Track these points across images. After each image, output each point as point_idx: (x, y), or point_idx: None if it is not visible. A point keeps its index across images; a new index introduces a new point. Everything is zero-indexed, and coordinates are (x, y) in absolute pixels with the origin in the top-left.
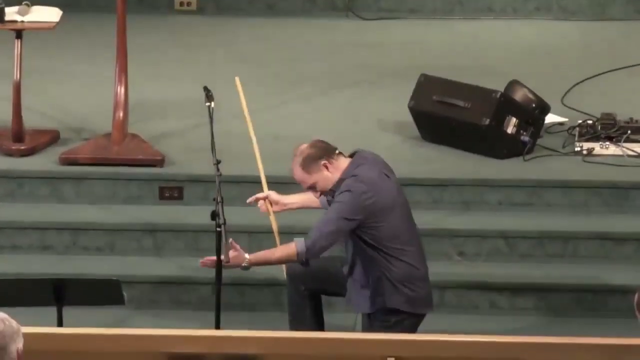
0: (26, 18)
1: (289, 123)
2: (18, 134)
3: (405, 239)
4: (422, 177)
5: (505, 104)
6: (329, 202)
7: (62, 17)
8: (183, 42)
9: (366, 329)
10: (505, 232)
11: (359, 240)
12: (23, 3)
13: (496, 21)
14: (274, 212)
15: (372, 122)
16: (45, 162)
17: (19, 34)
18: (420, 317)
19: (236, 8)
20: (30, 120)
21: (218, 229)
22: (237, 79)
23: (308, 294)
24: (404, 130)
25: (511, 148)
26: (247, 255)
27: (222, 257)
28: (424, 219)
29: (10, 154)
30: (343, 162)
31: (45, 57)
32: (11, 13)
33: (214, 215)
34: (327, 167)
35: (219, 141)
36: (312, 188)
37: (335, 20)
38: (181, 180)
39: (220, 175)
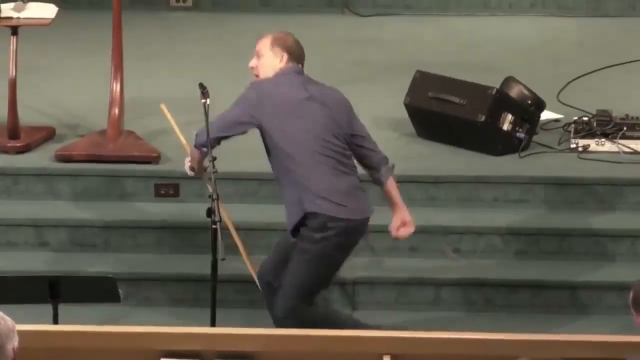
0: (22, 14)
1: None
2: (13, 130)
3: (314, 153)
4: (417, 173)
5: (500, 100)
6: None
7: (57, 14)
8: (178, 39)
9: (296, 254)
10: (501, 229)
11: (266, 148)
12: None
13: (492, 17)
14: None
15: (368, 118)
16: (40, 159)
17: (14, 30)
18: (350, 236)
19: (231, 4)
20: (26, 117)
21: (214, 226)
22: (162, 106)
23: None
24: (399, 127)
25: (506, 144)
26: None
27: (219, 255)
28: (419, 216)
29: (5, 150)
30: (280, 66)
31: (40, 53)
32: (6, 9)
33: (210, 212)
34: (283, 60)
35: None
36: (254, 60)
37: (331, 16)
38: (177, 177)
39: (216, 172)
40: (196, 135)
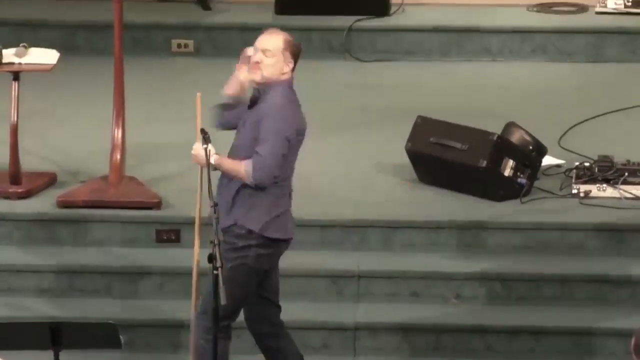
0: (24, 60)
1: None
2: (15, 176)
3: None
4: (419, 219)
5: (502, 145)
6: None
7: (59, 59)
8: (180, 84)
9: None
10: (502, 275)
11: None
12: (20, 45)
13: (493, 63)
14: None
15: (369, 164)
16: (42, 204)
17: (16, 75)
18: (270, 256)
19: (233, 49)
20: (27, 163)
21: (215, 272)
22: (198, 95)
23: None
24: (401, 172)
25: (508, 190)
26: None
27: (221, 300)
28: (420, 262)
29: (7, 196)
30: (286, 73)
31: (42, 99)
32: (8, 55)
33: (211, 258)
34: (288, 68)
35: (215, 184)
36: (263, 52)
37: (332, 61)
38: (178, 223)
39: (217, 218)
40: (259, 170)
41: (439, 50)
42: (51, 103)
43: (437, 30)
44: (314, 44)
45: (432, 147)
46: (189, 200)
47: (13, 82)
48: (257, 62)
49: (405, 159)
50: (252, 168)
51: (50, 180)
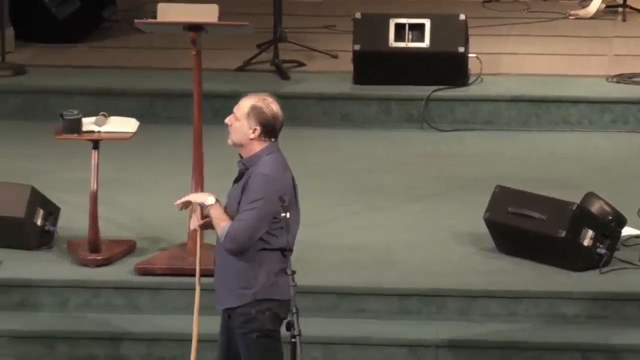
0: (103, 128)
1: (362, 234)
2: (94, 244)
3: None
4: (497, 289)
5: (581, 216)
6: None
7: (138, 128)
8: None
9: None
10: (581, 345)
11: None
12: (100, 114)
13: (572, 133)
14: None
15: (446, 233)
16: (121, 272)
17: (95, 144)
18: (281, 314)
19: (311, 119)
20: (107, 231)
21: (293, 340)
22: None
23: None
24: (478, 242)
25: (587, 260)
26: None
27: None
28: (499, 332)
29: (86, 264)
30: (262, 146)
31: (121, 167)
32: (88, 123)
33: (289, 326)
34: (255, 133)
35: (294, 251)
36: (230, 122)
37: (410, 131)
38: None
39: (295, 285)
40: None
41: (517, 120)
42: (130, 171)
43: (515, 100)
44: (393, 114)
45: (510, 217)
46: None
47: (93, 151)
48: (226, 122)
49: (483, 228)
50: (224, 234)
51: (129, 248)
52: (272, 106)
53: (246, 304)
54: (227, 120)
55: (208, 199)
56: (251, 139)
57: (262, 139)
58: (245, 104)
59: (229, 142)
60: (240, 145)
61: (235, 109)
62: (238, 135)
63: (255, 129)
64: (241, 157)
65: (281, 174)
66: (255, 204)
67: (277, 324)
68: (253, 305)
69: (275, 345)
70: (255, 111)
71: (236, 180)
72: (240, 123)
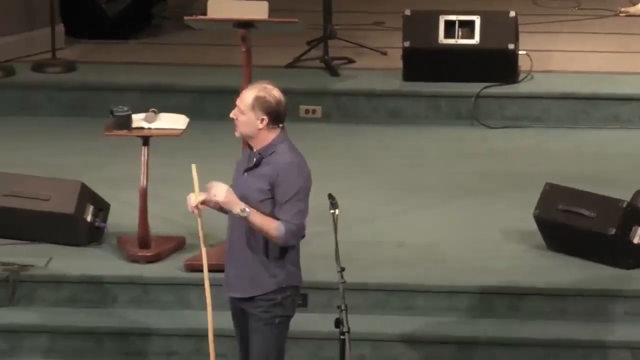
0: (153, 125)
1: (411, 231)
2: (144, 240)
3: None
4: (546, 286)
5: (631, 213)
6: (253, 160)
7: (188, 124)
8: (308, 149)
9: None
10: (631, 343)
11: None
12: (150, 110)
13: (622, 131)
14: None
15: (495, 230)
16: (170, 268)
17: (145, 140)
18: (297, 300)
19: (361, 115)
20: (157, 227)
21: (342, 337)
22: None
23: None
24: (528, 239)
25: (637, 258)
26: (246, 208)
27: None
28: (548, 330)
29: (135, 260)
30: (273, 134)
31: (171, 163)
32: (138, 120)
33: (338, 323)
34: (263, 123)
35: (342, 248)
36: (237, 108)
37: (459, 128)
38: (305, 288)
39: (344, 282)
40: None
41: (567, 117)
42: (180, 167)
43: (565, 97)
44: (442, 110)
45: (560, 214)
46: (316, 265)
47: (143, 147)
48: (231, 117)
49: (532, 226)
50: (286, 235)
51: (178, 244)
52: (274, 93)
53: (270, 291)
54: (232, 114)
55: (245, 210)
56: (260, 129)
57: (271, 126)
58: (248, 96)
59: (237, 134)
60: (250, 137)
61: (239, 102)
62: (246, 128)
63: (262, 119)
64: (251, 148)
65: (302, 159)
66: (298, 196)
67: (295, 309)
68: (278, 292)
69: (288, 329)
70: (259, 102)
71: (247, 169)
72: (247, 116)
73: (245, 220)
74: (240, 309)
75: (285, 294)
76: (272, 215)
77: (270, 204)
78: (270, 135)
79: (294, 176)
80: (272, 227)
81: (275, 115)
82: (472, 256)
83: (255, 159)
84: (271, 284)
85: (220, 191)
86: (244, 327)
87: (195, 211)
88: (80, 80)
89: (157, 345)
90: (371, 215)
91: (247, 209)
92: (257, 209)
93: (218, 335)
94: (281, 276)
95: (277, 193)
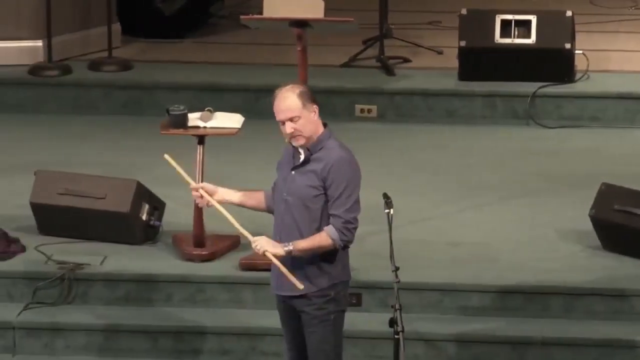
0: (209, 124)
1: (465, 230)
2: (199, 239)
3: None
4: (602, 286)
5: None
6: (300, 157)
7: (243, 123)
8: (363, 149)
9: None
10: None
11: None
12: (205, 109)
13: None
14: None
15: (551, 230)
16: (225, 267)
17: (201, 139)
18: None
19: (417, 115)
20: (212, 226)
21: (396, 336)
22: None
23: None
24: (583, 239)
25: None
26: (288, 244)
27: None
28: (602, 330)
29: (190, 258)
30: (321, 127)
31: (226, 162)
32: (194, 119)
33: (392, 323)
34: (316, 113)
35: (397, 248)
36: (291, 120)
37: (515, 127)
38: (359, 287)
39: (399, 282)
40: (347, 231)
41: (623, 117)
42: (235, 166)
43: (622, 97)
44: (498, 110)
45: (616, 214)
46: (371, 264)
47: (198, 146)
48: (292, 132)
49: (588, 225)
50: (339, 232)
51: (233, 243)
52: (299, 83)
53: (323, 288)
54: (290, 128)
55: (288, 245)
56: (316, 121)
57: (319, 115)
58: (292, 102)
59: (301, 142)
60: (313, 137)
61: (289, 114)
62: (310, 127)
63: (314, 110)
64: (294, 147)
65: (351, 153)
66: (350, 190)
67: (347, 304)
68: (331, 288)
69: (343, 324)
70: (303, 97)
71: (295, 167)
72: (303, 117)
73: (293, 253)
74: (291, 308)
75: (338, 289)
76: (324, 210)
77: (323, 198)
78: (320, 128)
79: (345, 171)
80: (322, 239)
81: (314, 98)
82: (527, 256)
83: (303, 156)
84: (324, 281)
85: (264, 244)
86: (294, 326)
87: (199, 199)
88: (136, 79)
89: (211, 344)
90: (426, 215)
91: (289, 244)
92: (312, 205)
93: (267, 334)
94: (334, 272)
95: (329, 188)
